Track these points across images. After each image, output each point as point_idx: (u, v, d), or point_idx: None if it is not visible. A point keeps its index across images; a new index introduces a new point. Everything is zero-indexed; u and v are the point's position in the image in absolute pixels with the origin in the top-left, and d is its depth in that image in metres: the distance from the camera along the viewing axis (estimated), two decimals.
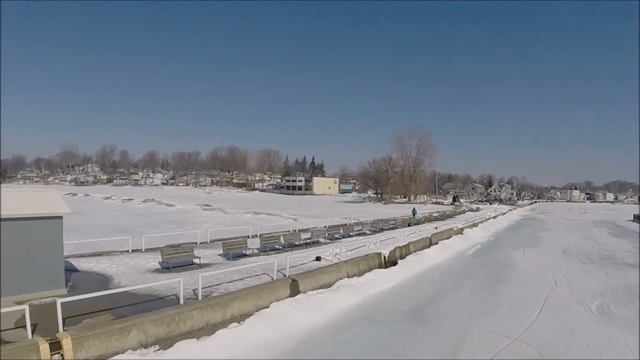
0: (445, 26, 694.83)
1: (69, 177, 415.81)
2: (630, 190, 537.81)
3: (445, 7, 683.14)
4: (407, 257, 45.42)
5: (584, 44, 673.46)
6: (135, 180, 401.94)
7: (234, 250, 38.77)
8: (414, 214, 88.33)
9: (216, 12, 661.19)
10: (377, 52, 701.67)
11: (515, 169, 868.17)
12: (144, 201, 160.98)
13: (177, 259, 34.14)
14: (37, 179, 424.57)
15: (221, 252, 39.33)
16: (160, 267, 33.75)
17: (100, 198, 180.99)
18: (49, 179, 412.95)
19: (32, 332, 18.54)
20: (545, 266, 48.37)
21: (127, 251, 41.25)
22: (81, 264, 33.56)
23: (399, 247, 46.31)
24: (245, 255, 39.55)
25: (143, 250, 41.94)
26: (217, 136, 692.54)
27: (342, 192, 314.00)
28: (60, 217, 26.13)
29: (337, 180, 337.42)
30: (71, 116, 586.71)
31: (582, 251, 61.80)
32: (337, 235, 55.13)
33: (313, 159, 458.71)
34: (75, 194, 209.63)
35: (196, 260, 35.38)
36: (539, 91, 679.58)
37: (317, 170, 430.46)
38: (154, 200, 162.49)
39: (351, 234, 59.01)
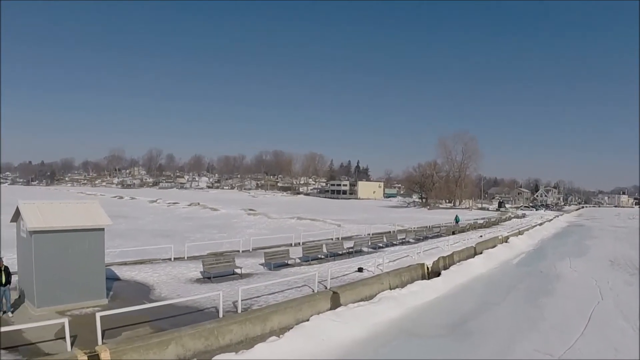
0: (489, 27, 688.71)
1: (115, 180, 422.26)
2: None
3: (489, 7, 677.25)
4: (451, 268, 44.95)
5: (625, 43, 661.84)
6: (181, 183, 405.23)
7: (275, 261, 38.62)
8: (457, 222, 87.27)
9: (254, 13, 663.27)
10: (421, 54, 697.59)
11: (562, 173, 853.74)
12: (189, 205, 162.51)
13: (219, 269, 34.00)
14: (85, 181, 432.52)
15: (263, 261, 39.13)
16: (201, 276, 33.67)
17: (146, 201, 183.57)
18: (96, 182, 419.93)
19: (72, 344, 18.56)
20: (591, 277, 47.39)
21: (170, 259, 41.17)
22: (123, 273, 33.62)
23: (443, 257, 45.73)
24: (287, 265, 39.40)
25: (185, 258, 41.83)
26: (262, 140, 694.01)
27: (387, 196, 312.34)
28: (102, 229, 26.06)
29: (381, 184, 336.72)
30: (119, 121, 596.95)
31: (629, 261, 60.60)
32: (380, 244, 54.76)
33: (358, 162, 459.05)
34: (121, 197, 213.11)
35: (237, 270, 35.14)
36: (585, 93, 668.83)
37: (362, 174, 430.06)
38: (199, 204, 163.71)
39: (394, 242, 58.42)
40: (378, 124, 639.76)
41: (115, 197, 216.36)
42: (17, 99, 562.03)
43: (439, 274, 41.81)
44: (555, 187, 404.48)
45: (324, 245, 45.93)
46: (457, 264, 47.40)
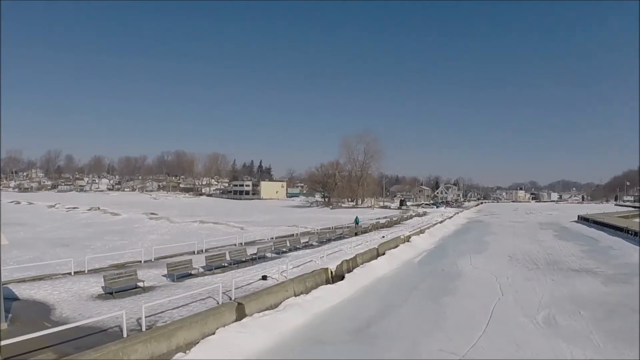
0: (391, 28, 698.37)
1: (12, 183, 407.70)
2: (573, 189, 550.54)
3: (387, 8, 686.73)
4: (355, 270, 45.44)
5: (540, 44, 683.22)
6: (81, 186, 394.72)
7: (178, 272, 37.87)
8: (357, 223, 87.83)
9: (161, 11, 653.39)
10: (324, 54, 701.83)
11: (462, 170, 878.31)
12: (88, 209, 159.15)
13: (120, 284, 32.98)
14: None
15: (166, 272, 38.42)
16: (103, 292, 32.71)
17: (45, 206, 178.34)
18: None
19: None
20: (491, 274, 48.94)
21: (70, 273, 39.83)
22: (22, 291, 32.37)
23: (346, 260, 46.27)
24: (190, 275, 38.77)
25: (86, 271, 40.56)
26: (164, 140, 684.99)
27: (290, 196, 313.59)
28: None
29: (284, 184, 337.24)
30: (15, 119, 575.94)
31: (527, 256, 62.86)
32: (284, 249, 54.49)
33: (260, 162, 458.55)
34: (18, 202, 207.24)
35: (140, 284, 34.20)
36: (483, 92, 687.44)
37: (265, 173, 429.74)
38: (99, 208, 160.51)
39: (298, 246, 58.28)
40: (280, 123, 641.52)
41: (12, 202, 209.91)
42: None
43: (342, 278, 42.26)
44: (455, 184, 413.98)
45: (227, 253, 45.43)
46: (361, 266, 47.96)
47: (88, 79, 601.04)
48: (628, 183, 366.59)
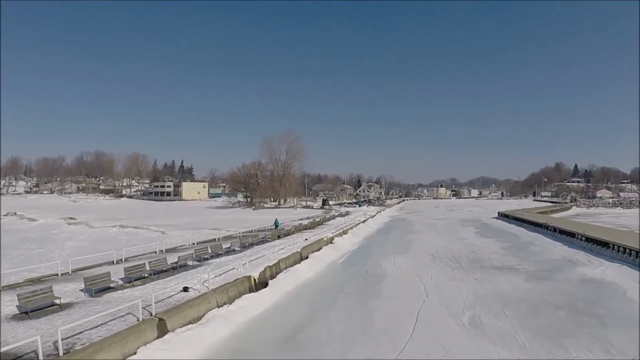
0: (313, 25, 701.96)
1: None
2: (493, 185, 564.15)
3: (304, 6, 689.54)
4: (278, 276, 45.00)
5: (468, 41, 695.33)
6: None
7: (96, 286, 36.26)
8: (276, 226, 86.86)
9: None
10: (245, 50, 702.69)
11: (383, 168, 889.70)
12: (4, 215, 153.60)
13: (36, 302, 31.31)
14: None
15: (84, 285, 36.74)
16: (18, 311, 31.29)
17: None
18: None
19: None
20: (416, 275, 49.29)
21: None
22: None
23: (269, 266, 45.73)
24: (109, 289, 37.12)
25: (0, 287, 38.83)
26: (83, 140, 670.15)
27: (212, 196, 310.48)
28: None
29: (206, 185, 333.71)
30: None
31: (450, 255, 63.81)
32: (205, 256, 53.08)
33: (182, 162, 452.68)
34: None
35: (57, 301, 32.64)
36: (402, 88, 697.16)
37: (187, 174, 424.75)
38: (15, 213, 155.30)
39: (220, 252, 56.70)
40: (202, 122, 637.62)
41: None
42: None
43: (266, 285, 41.63)
44: (377, 182, 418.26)
45: (147, 263, 44.08)
46: (284, 271, 47.66)
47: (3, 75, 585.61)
48: (545, 179, 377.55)
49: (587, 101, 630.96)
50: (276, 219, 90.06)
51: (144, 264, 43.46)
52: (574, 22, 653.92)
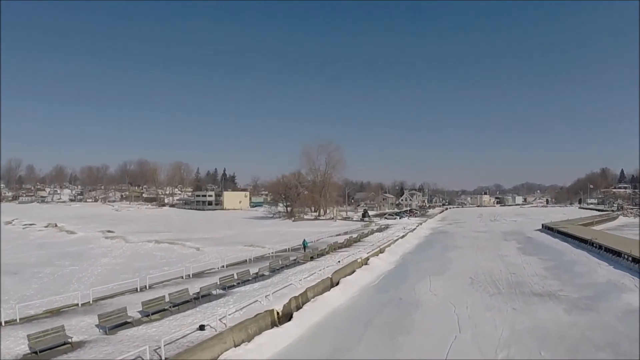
0: (352, 30, 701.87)
1: None
2: (538, 191, 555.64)
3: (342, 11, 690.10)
4: (305, 307, 42.95)
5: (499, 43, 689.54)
6: (42, 197, 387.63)
7: (111, 323, 34.98)
8: (305, 246, 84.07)
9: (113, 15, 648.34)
10: (283, 57, 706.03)
11: (427, 174, 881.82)
12: (45, 226, 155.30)
13: (47, 342, 30.40)
14: None
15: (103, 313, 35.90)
16: (29, 350, 30.08)
17: (1, 223, 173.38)
18: None
19: None
20: (450, 303, 46.92)
21: (0, 323, 37.05)
22: None
23: (295, 297, 43.38)
24: (125, 324, 35.73)
25: (17, 320, 37.99)
26: (127, 149, 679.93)
27: (254, 205, 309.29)
28: None
29: (247, 194, 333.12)
30: None
31: (489, 277, 61.11)
32: (232, 284, 51.37)
33: (224, 170, 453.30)
34: None
35: (69, 340, 31.35)
36: (448, 94, 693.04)
37: (229, 182, 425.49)
38: (56, 225, 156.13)
39: (248, 279, 55.00)
40: (243, 130, 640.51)
41: None
42: None
43: (290, 317, 39.58)
44: (420, 189, 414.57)
45: (166, 295, 42.62)
46: (312, 300, 45.45)
47: (46, 85, 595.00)
48: (591, 186, 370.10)
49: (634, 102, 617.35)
50: (304, 240, 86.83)
51: (164, 296, 41.96)
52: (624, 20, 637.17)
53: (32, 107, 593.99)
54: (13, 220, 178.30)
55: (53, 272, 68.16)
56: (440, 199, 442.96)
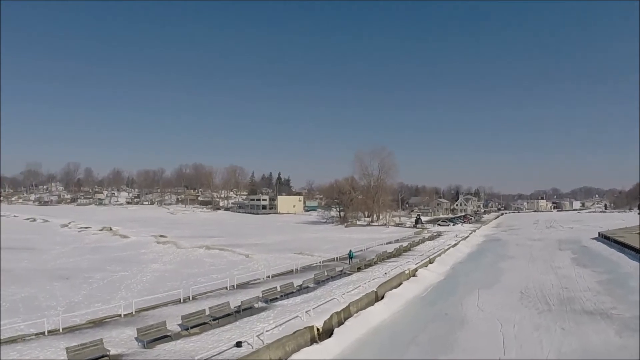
0: (401, 34, 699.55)
1: (32, 197, 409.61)
2: (596, 196, 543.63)
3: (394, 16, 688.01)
4: (347, 322, 42.11)
5: (547, 47, 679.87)
6: (100, 199, 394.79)
7: (149, 337, 35.10)
8: (350, 257, 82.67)
9: (171, 22, 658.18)
10: (337, 61, 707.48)
11: (483, 178, 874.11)
12: (100, 230, 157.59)
13: (85, 355, 30.56)
14: (1, 198, 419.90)
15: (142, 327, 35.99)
16: None
17: (58, 225, 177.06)
18: (13, 199, 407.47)
19: None
20: (497, 320, 45.57)
21: (43, 333, 37.88)
22: None
23: (337, 312, 42.53)
24: (164, 338, 35.80)
25: (60, 330, 38.74)
26: (183, 153, 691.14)
27: (308, 209, 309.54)
28: None
29: (301, 198, 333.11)
30: (34, 132, 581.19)
31: (540, 292, 59.43)
32: (275, 296, 51.27)
33: (279, 174, 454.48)
34: (34, 220, 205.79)
35: (107, 353, 31.53)
36: (503, 97, 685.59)
37: (284, 186, 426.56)
38: (111, 229, 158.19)
39: (292, 291, 54.61)
40: (298, 133, 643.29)
41: (28, 219, 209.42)
42: None
43: (331, 334, 38.87)
44: (475, 194, 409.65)
45: (206, 309, 42.49)
46: (355, 315, 44.50)
47: (105, 91, 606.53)
48: None
49: None
50: (350, 251, 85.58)
51: (204, 310, 41.87)
52: None
53: (91, 113, 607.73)
54: (69, 223, 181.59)
55: (103, 278, 68.85)
56: (496, 204, 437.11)
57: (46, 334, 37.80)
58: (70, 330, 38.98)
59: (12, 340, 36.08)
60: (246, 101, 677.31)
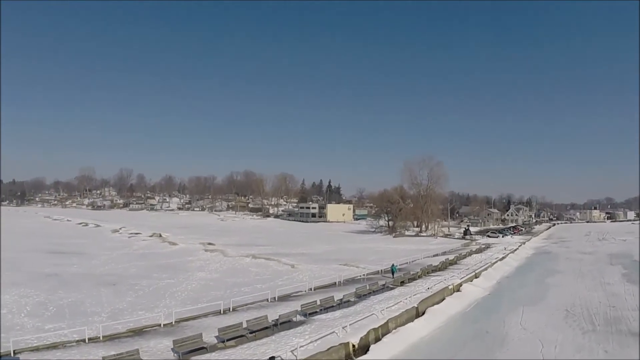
0: (453, 43, 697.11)
1: (86, 201, 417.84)
2: None
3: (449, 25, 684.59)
4: (384, 339, 41.81)
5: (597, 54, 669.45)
6: (152, 205, 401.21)
7: (185, 348, 35.43)
8: (393, 272, 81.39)
9: (235, 34, 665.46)
10: (386, 69, 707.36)
11: (536, 186, 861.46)
12: (150, 236, 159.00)
13: None
14: (55, 202, 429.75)
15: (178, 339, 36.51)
16: None
17: (109, 230, 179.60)
18: (67, 203, 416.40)
19: None
20: (539, 340, 44.65)
21: (84, 340, 38.71)
22: None
23: (374, 328, 42.25)
24: (200, 350, 36.09)
25: (101, 338, 39.59)
26: (234, 160, 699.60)
27: (357, 218, 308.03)
28: None
29: (351, 206, 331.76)
30: (89, 138, 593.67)
31: (587, 310, 58.28)
32: (314, 310, 51.12)
33: (330, 182, 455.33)
34: (86, 224, 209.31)
35: None
36: (559, 105, 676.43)
37: (334, 193, 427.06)
38: (160, 235, 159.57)
39: (331, 305, 54.39)
40: (349, 140, 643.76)
41: (80, 223, 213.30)
42: None
43: (367, 350, 38.63)
44: (527, 203, 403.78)
45: (244, 322, 42.65)
46: (393, 332, 44.09)
47: (158, 98, 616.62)
48: None
49: None
50: (393, 265, 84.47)
51: (241, 323, 42.04)
52: None
53: (144, 120, 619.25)
54: (120, 228, 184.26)
55: (149, 285, 69.78)
56: (548, 214, 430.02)
57: (86, 341, 38.60)
58: (110, 338, 39.76)
59: (54, 346, 36.92)
60: (296, 109, 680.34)
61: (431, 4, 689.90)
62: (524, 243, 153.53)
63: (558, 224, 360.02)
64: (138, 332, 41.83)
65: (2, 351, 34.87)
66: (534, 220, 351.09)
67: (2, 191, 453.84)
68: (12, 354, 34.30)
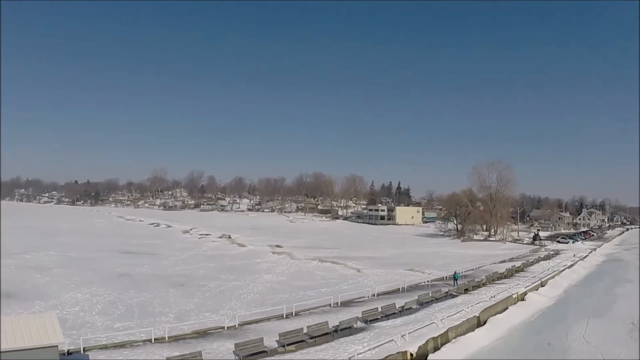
0: (525, 44, 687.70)
1: (158, 202, 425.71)
2: None
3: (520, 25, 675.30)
4: (443, 348, 41.84)
5: None
6: (222, 205, 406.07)
7: (246, 351, 36.32)
8: (455, 279, 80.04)
9: (294, 43, 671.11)
10: (454, 69, 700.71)
11: (610, 189, 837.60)
12: (219, 237, 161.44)
13: None
14: (128, 202, 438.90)
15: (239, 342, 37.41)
16: None
17: (180, 231, 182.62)
18: (139, 203, 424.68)
19: None
20: (600, 355, 43.91)
21: (150, 341, 40.25)
22: None
23: (433, 337, 42.18)
24: (260, 354, 36.84)
25: (166, 338, 41.02)
26: (303, 162, 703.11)
27: (426, 220, 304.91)
28: (56, 346, 26.87)
29: (420, 209, 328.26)
30: (161, 141, 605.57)
31: None
32: (375, 317, 51.17)
33: (399, 184, 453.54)
34: (158, 225, 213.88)
35: None
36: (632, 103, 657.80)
37: (403, 195, 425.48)
38: (229, 237, 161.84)
39: (393, 312, 54.22)
40: (418, 143, 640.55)
41: (152, 224, 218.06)
42: (65, 120, 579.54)
43: (425, 358, 38.89)
44: (600, 207, 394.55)
45: (304, 327, 43.14)
46: (452, 341, 43.97)
47: (229, 103, 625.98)
48: None
49: None
50: (455, 272, 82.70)
51: (302, 328, 42.69)
52: None
53: (214, 124, 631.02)
54: (191, 229, 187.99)
55: (216, 287, 71.31)
56: (622, 218, 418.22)
57: (153, 341, 40.10)
58: (176, 339, 41.13)
59: (121, 345, 38.59)
60: (366, 113, 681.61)
61: (431, 4, 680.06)
62: (595, 249, 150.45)
63: (632, 228, 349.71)
64: (202, 334, 42.99)
65: (72, 348, 36.27)
66: (607, 225, 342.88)
67: (78, 192, 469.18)
68: (81, 351, 35.75)
